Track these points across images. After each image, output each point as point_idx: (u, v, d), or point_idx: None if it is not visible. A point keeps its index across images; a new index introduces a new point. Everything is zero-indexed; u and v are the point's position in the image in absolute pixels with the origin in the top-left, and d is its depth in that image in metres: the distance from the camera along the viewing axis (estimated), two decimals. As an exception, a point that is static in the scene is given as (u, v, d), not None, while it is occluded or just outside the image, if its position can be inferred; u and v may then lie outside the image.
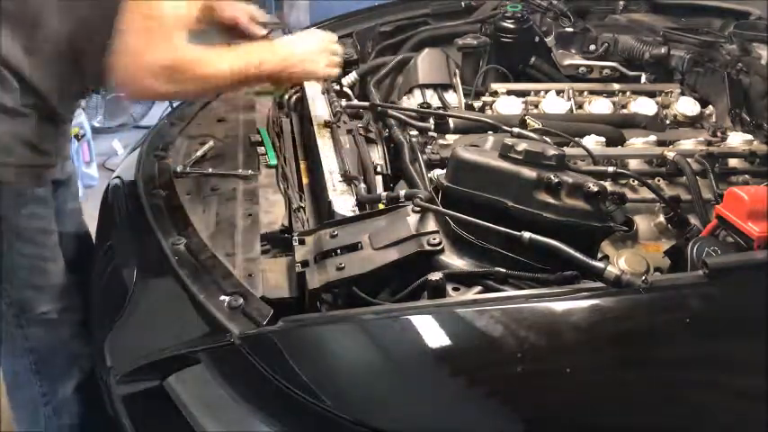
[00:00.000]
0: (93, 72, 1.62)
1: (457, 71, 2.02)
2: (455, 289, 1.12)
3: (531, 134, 1.51)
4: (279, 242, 1.38)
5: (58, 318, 1.64)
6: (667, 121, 1.88)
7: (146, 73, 1.37)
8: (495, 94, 1.93)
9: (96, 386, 1.43)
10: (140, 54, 1.37)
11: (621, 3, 2.42)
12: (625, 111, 1.91)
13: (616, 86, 1.98)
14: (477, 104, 1.91)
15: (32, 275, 1.59)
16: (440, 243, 1.18)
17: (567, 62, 2.13)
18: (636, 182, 1.48)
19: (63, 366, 1.70)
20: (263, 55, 1.51)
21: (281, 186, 1.54)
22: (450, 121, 1.67)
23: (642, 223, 1.44)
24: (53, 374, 1.70)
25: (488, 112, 1.89)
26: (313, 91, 1.86)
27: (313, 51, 1.59)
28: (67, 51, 1.51)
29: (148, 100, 1.55)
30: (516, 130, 1.52)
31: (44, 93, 1.50)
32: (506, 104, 1.87)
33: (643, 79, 2.07)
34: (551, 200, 1.13)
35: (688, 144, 1.65)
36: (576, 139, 1.57)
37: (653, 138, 1.65)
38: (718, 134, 1.73)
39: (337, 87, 1.91)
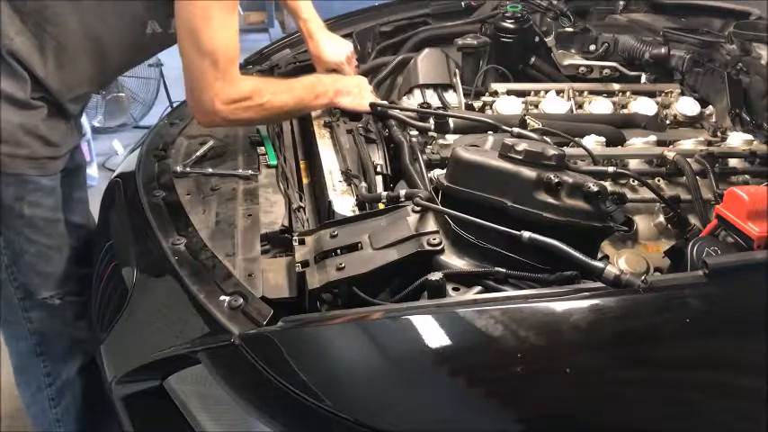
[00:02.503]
0: (108, 76, 1.65)
1: (457, 71, 2.02)
2: (455, 289, 1.12)
3: (531, 134, 1.51)
4: (279, 242, 1.38)
5: (61, 303, 1.67)
6: (667, 121, 1.88)
7: (214, 106, 1.48)
8: (495, 94, 1.93)
9: (99, 369, 1.44)
10: (202, 93, 1.46)
11: (621, 3, 2.42)
12: (625, 111, 1.91)
13: (616, 86, 1.98)
14: (477, 104, 1.92)
15: (37, 261, 1.61)
16: (440, 243, 1.18)
17: (567, 62, 2.14)
18: (636, 182, 1.49)
19: (66, 349, 1.73)
20: (318, 89, 1.69)
21: (281, 186, 1.54)
22: (450, 121, 1.67)
23: (642, 223, 1.44)
24: (56, 357, 1.73)
25: (488, 112, 1.89)
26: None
27: (360, 87, 1.79)
28: (83, 53, 1.52)
29: (216, 126, 1.63)
30: (516, 130, 1.52)
31: (54, 90, 1.51)
32: (506, 104, 1.87)
33: (643, 79, 2.07)
34: (551, 200, 1.13)
35: (688, 144, 1.65)
36: (576, 139, 1.57)
37: (653, 138, 1.66)
38: (718, 134, 1.73)
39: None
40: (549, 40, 2.17)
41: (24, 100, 1.47)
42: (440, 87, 2.00)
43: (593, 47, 2.15)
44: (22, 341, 1.71)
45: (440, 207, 1.22)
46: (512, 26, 2.10)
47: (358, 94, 1.76)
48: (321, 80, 1.75)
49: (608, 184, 1.44)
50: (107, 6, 1.51)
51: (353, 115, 1.75)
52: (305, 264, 1.22)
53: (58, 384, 1.76)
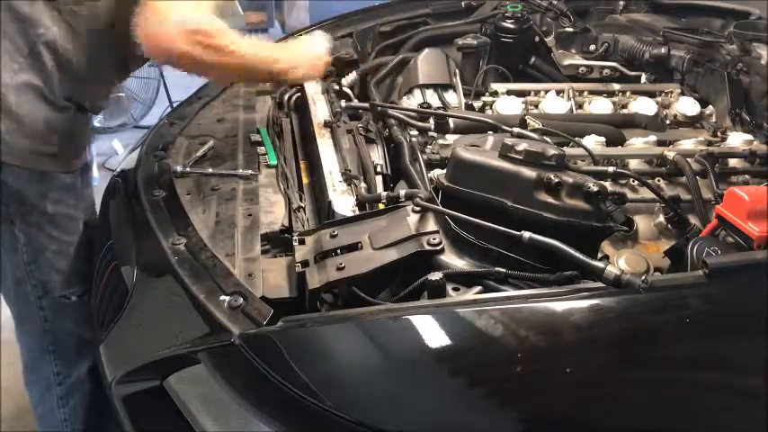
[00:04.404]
0: (128, 64, 1.66)
1: (457, 71, 2.02)
2: (455, 289, 1.12)
3: (531, 134, 1.51)
4: (279, 242, 1.38)
5: (77, 301, 1.68)
6: (667, 121, 1.88)
7: (170, 30, 1.39)
8: (495, 94, 1.93)
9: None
10: (168, 11, 1.39)
11: (621, 3, 2.43)
12: (625, 111, 1.91)
13: (616, 86, 1.98)
14: (477, 104, 1.92)
15: (57, 259, 1.62)
16: (440, 243, 1.18)
17: (567, 62, 2.14)
18: (636, 182, 1.49)
19: (78, 348, 1.73)
20: (276, 53, 1.59)
21: (281, 186, 1.54)
22: (450, 121, 1.67)
23: (642, 223, 1.44)
24: (68, 356, 1.74)
25: (488, 112, 1.89)
26: (313, 91, 1.86)
27: (316, 56, 1.67)
28: (112, 37, 1.53)
29: (164, 61, 1.54)
30: (516, 130, 1.52)
31: (85, 78, 1.52)
32: (506, 104, 1.87)
33: (643, 79, 2.07)
34: (551, 200, 1.12)
35: (688, 144, 1.65)
36: (576, 139, 1.57)
37: (653, 138, 1.66)
38: (718, 134, 1.73)
39: (337, 87, 1.91)
40: (549, 40, 2.17)
41: (53, 98, 1.49)
42: (440, 87, 2.00)
43: (593, 47, 2.15)
44: (35, 339, 1.72)
45: (439, 207, 1.22)
46: (512, 26, 2.10)
47: (310, 63, 1.65)
48: (276, 46, 1.69)
49: (608, 184, 1.44)
50: None
51: (354, 115, 1.75)
52: (305, 264, 1.22)
53: (67, 384, 1.76)
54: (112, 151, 4.26)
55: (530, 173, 1.13)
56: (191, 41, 1.40)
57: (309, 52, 1.67)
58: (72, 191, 1.61)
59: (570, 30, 2.19)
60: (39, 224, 1.57)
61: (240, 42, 1.48)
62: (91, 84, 1.54)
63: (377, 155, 1.60)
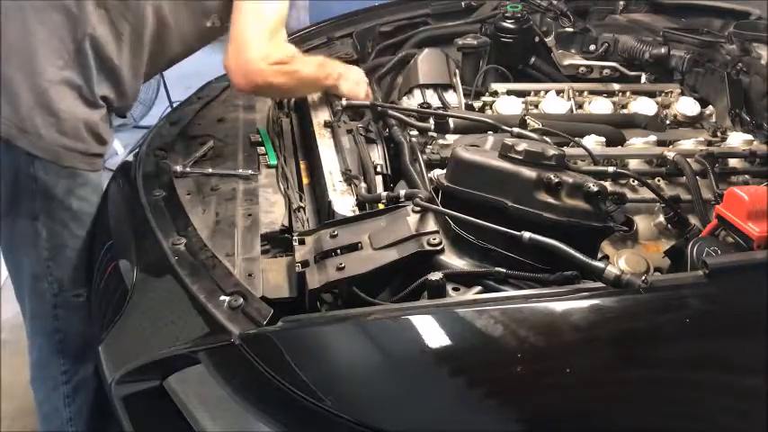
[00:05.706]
0: (160, 65, 1.72)
1: (457, 71, 2.02)
2: (455, 289, 1.12)
3: (531, 134, 1.51)
4: (279, 242, 1.38)
5: (85, 301, 1.68)
6: (667, 121, 1.88)
7: (259, 64, 1.57)
8: (495, 94, 1.93)
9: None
10: (250, 52, 1.57)
11: (621, 3, 2.43)
12: (625, 111, 1.91)
13: (616, 86, 1.98)
14: (477, 104, 1.92)
15: (75, 256, 1.64)
16: (440, 243, 1.18)
17: (567, 62, 2.14)
18: (636, 182, 1.49)
19: (84, 348, 1.74)
20: (331, 69, 1.80)
21: (281, 186, 1.54)
22: (450, 121, 1.67)
23: (642, 223, 1.44)
24: (75, 355, 1.74)
25: (488, 112, 1.89)
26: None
27: (359, 80, 1.86)
28: (151, 41, 1.59)
29: (251, 91, 1.72)
30: (516, 130, 1.52)
31: (125, 79, 1.57)
32: (506, 104, 1.87)
33: (643, 79, 2.07)
34: (551, 200, 1.13)
35: (688, 144, 1.65)
36: (576, 139, 1.57)
37: (653, 138, 1.66)
38: (718, 134, 1.73)
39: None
40: (549, 40, 2.17)
41: (91, 97, 1.52)
42: (440, 87, 2.00)
43: (593, 47, 2.15)
44: (46, 337, 1.73)
45: (439, 208, 1.22)
46: (512, 26, 2.10)
47: (356, 83, 1.83)
48: (329, 62, 1.84)
49: (608, 184, 1.44)
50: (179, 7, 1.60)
51: (354, 115, 1.75)
52: (305, 264, 1.22)
53: (73, 383, 1.77)
54: (112, 151, 4.25)
55: (530, 173, 1.13)
56: (276, 73, 1.60)
57: (352, 74, 1.85)
58: (96, 190, 1.64)
59: (570, 30, 2.19)
60: (63, 220, 1.58)
61: (302, 61, 1.70)
62: (124, 85, 1.58)
63: (377, 155, 1.60)
